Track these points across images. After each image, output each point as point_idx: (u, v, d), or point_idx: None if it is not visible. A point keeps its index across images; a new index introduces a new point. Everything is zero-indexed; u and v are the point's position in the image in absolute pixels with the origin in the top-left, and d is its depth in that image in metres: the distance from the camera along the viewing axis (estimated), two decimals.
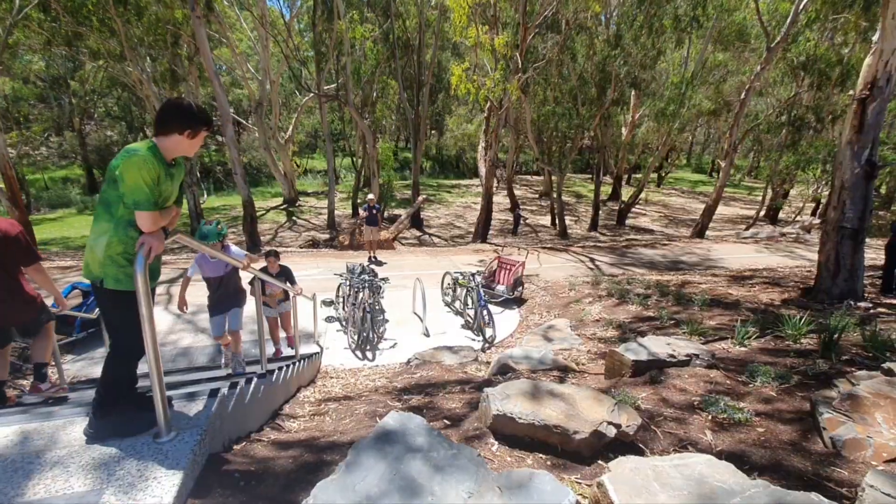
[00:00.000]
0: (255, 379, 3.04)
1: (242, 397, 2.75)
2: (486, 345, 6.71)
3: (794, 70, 14.18)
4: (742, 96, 15.69)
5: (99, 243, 2.06)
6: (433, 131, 45.41)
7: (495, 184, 29.84)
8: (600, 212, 21.39)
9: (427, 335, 7.18)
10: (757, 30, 15.78)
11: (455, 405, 3.79)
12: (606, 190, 27.52)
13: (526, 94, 16.85)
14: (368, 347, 6.64)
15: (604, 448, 2.59)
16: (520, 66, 13.77)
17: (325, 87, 19.17)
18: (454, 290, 8.23)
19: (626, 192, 24.69)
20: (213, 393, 2.51)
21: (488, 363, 5.32)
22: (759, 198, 22.08)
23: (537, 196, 29.42)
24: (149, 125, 26.18)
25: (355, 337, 6.69)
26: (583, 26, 16.14)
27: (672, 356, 4.04)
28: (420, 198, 19.52)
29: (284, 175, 24.33)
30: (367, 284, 7.06)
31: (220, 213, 23.43)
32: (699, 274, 10.01)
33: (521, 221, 20.31)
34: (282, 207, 24.07)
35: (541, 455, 2.55)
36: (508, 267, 8.78)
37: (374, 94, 22.13)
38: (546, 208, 23.73)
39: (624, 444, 2.64)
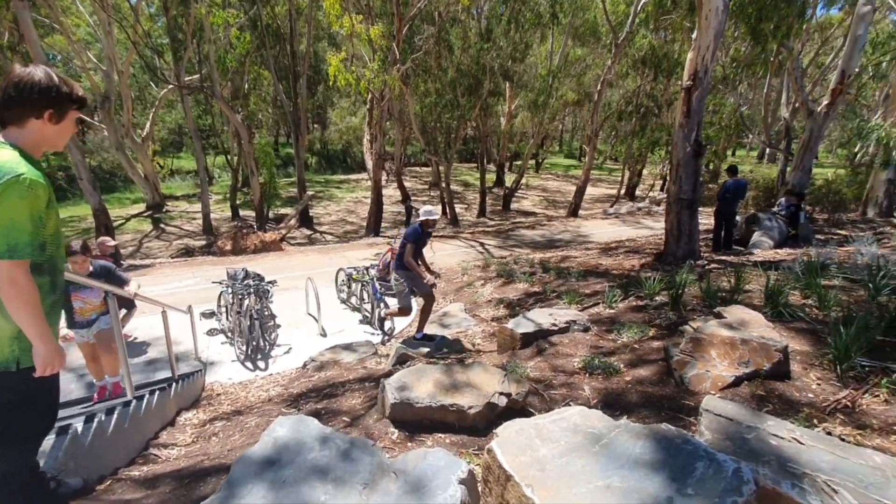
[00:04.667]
0: (118, 408, 2.67)
1: (103, 431, 2.40)
2: (386, 337, 6.69)
3: (637, 64, 16.23)
4: (598, 87, 17.49)
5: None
6: (316, 125, 43.52)
7: (385, 176, 29.65)
8: (487, 198, 22.42)
9: (324, 335, 6.94)
10: (606, 27, 17.66)
11: (356, 402, 3.73)
12: (491, 177, 28.90)
13: (407, 85, 16.92)
14: (260, 356, 6.23)
15: (497, 418, 2.74)
16: (398, 57, 13.76)
17: (187, 78, 17.26)
18: (349, 287, 8.04)
19: (509, 179, 26.21)
20: (63, 430, 2.15)
21: (388, 356, 5.31)
22: (619, 178, 24.94)
23: (427, 187, 29.87)
24: None
25: (244, 347, 6.22)
26: (455, 19, 16.62)
27: (554, 325, 4.41)
28: (307, 195, 18.66)
29: (145, 178, 21.50)
30: (252, 289, 6.59)
31: (66, 226, 20.00)
32: (575, 249, 11.04)
33: (414, 212, 20.52)
34: (146, 214, 21.32)
35: (440, 435, 2.62)
36: None
37: (246, 86, 20.48)
38: (436, 198, 24.23)
39: (515, 411, 2.82)
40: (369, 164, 18.22)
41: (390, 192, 26.82)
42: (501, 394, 2.74)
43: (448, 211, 19.41)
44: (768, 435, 1.75)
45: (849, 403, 2.73)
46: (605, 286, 6.05)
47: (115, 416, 2.59)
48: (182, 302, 5.97)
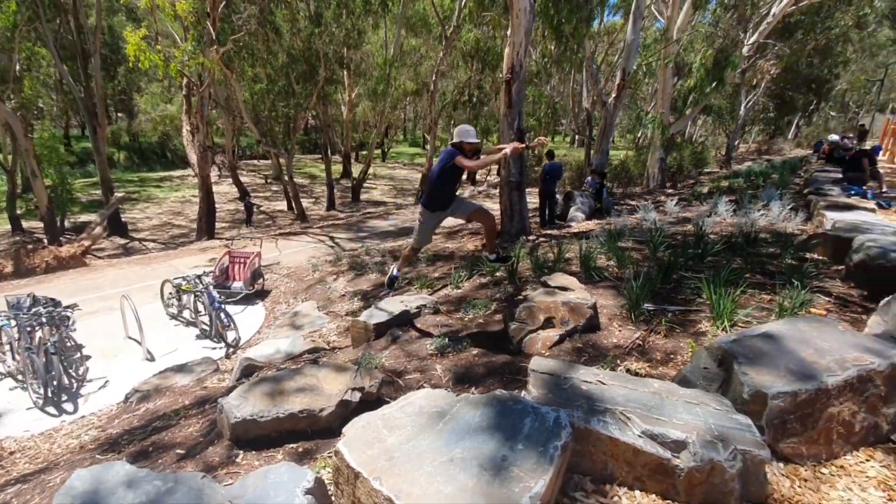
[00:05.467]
0: None
1: None
2: (231, 350, 6.07)
3: (466, 57, 17.31)
4: (434, 78, 18.18)
5: None
6: (120, 114, 36.78)
7: (216, 172, 26.61)
8: (335, 190, 21.76)
9: (151, 359, 5.99)
10: (436, 20, 18.38)
11: (193, 430, 3.31)
12: (338, 168, 28.10)
13: (231, 69, 15.30)
14: (66, 397, 5.10)
15: (352, 414, 2.70)
16: (214, 38, 12.32)
17: None
18: (179, 299, 7.07)
19: (356, 169, 25.80)
20: None
21: (234, 370, 4.83)
22: None
23: (268, 181, 27.73)
24: None
25: (42, 390, 5.03)
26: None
27: (406, 311, 4.51)
28: (115, 197, 15.74)
29: None
30: (44, 318, 5.35)
31: None
32: None
33: (255, 209, 18.87)
34: None
35: (292, 445, 2.48)
36: (242, 260, 8.05)
37: (18, 67, 16.13)
38: (280, 193, 22.66)
39: (370, 404, 2.81)
40: (193, 158, 16.07)
41: (225, 189, 24.20)
42: (354, 389, 2.70)
43: (294, 206, 18.33)
44: (580, 382, 2.04)
45: (640, 342, 3.35)
46: (451, 268, 6.38)
47: None
48: None
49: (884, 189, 7.94)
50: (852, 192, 7.40)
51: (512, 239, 7.43)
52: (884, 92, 27.47)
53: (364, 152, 31.28)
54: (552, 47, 14.62)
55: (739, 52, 12.49)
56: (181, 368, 5.01)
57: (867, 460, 2.02)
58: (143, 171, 30.29)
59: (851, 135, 16.69)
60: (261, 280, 8.24)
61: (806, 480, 1.90)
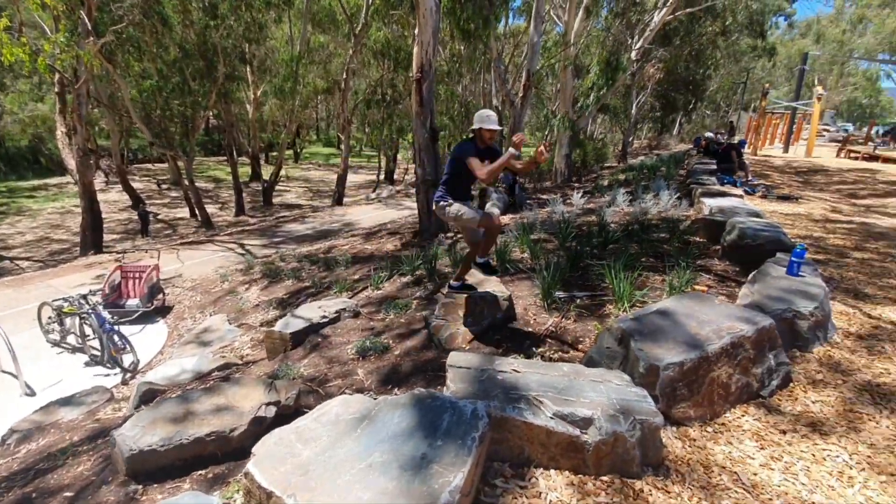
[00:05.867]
0: None
1: None
2: (128, 375, 5.47)
3: (377, 55, 17.12)
4: (344, 76, 17.75)
5: None
6: None
7: (103, 178, 23.80)
8: (245, 194, 20.45)
9: (31, 394, 5.22)
10: (344, 17, 17.93)
11: (84, 468, 2.94)
12: (247, 171, 26.45)
13: (114, 63, 13.75)
14: None
15: (268, 431, 2.56)
16: (91, 28, 10.99)
17: None
18: (61, 323, 6.23)
19: (267, 171, 24.47)
20: None
21: (130, 397, 4.36)
22: (377, 164, 26.19)
23: (166, 186, 25.36)
24: None
25: None
26: None
27: (325, 317, 4.36)
28: None
29: None
30: None
31: None
32: (342, 238, 11.14)
33: (151, 218, 17.14)
34: None
35: (200, 472, 2.29)
36: (136, 275, 7.28)
37: None
38: (181, 199, 20.82)
39: (288, 417, 2.68)
40: (71, 163, 14.21)
41: (114, 197, 21.75)
42: (269, 404, 2.56)
43: (197, 213, 16.95)
44: (496, 373, 2.11)
45: (553, 329, 3.54)
46: (371, 269, 6.29)
47: None
48: None
49: (749, 178, 9.12)
50: (725, 181, 8.41)
51: (431, 237, 7.49)
52: (746, 93, 31.59)
53: (275, 153, 29.73)
54: (461, 47, 14.94)
55: (628, 56, 13.66)
56: (68, 401, 4.42)
57: (742, 416, 2.31)
58: (12, 180, 26.27)
59: (723, 131, 18.99)
60: (160, 296, 7.52)
61: (695, 440, 2.12)
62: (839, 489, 1.86)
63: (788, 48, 34.83)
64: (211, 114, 19.77)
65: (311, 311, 4.49)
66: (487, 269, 3.65)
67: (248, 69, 19.69)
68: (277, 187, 22.77)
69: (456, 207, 3.42)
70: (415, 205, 9.17)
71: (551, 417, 1.84)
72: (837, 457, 2.03)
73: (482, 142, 3.37)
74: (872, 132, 23.57)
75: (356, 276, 6.38)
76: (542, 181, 15.96)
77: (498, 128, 3.36)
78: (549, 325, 3.56)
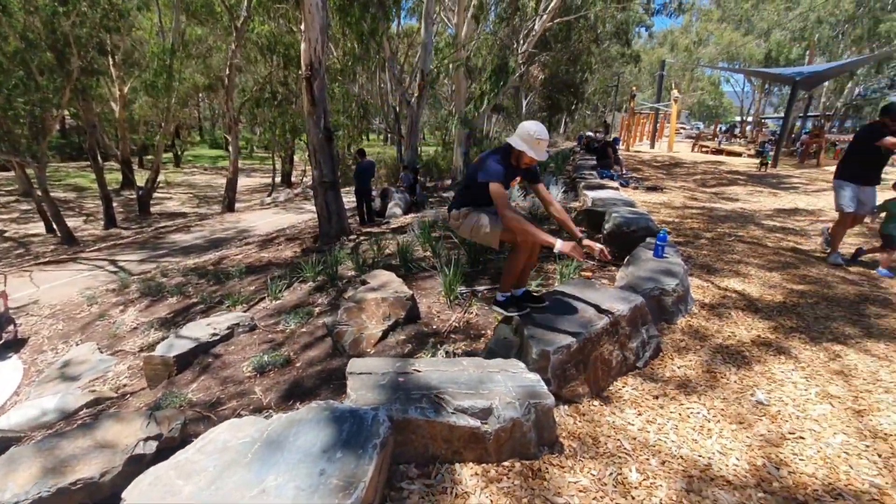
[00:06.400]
0: None
1: None
2: None
3: (263, 51, 16.10)
4: (227, 72, 16.46)
5: None
6: None
7: None
8: (116, 203, 18.07)
9: None
10: (222, 7, 16.58)
11: None
12: (117, 177, 23.38)
13: None
14: None
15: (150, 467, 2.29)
16: None
17: None
18: None
19: (143, 178, 21.88)
20: None
21: None
22: (272, 166, 24.72)
23: (13, 198, 21.52)
24: None
25: None
26: None
27: (216, 334, 4.01)
28: None
29: None
30: None
31: None
32: (236, 246, 10.35)
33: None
34: None
35: None
36: None
37: None
38: (34, 212, 17.79)
39: (172, 451, 2.42)
40: None
41: None
42: (149, 439, 2.28)
43: (56, 227, 14.63)
44: (397, 375, 2.10)
45: (457, 325, 3.63)
46: (268, 279, 5.92)
47: None
48: None
49: (624, 171, 10.16)
50: (604, 175, 9.28)
51: (332, 241, 7.26)
52: (618, 95, 35.15)
53: (151, 157, 26.66)
54: (355, 45, 14.65)
55: (516, 59, 14.44)
56: None
57: (623, 387, 2.56)
58: None
59: (601, 129, 20.95)
60: (11, 328, 6.36)
61: (584, 415, 2.31)
62: (700, 441, 2.14)
63: (650, 56, 39.40)
64: (66, 113, 17.17)
65: (200, 329, 4.10)
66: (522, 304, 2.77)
67: (110, 62, 17.39)
68: (156, 194, 20.48)
69: (478, 222, 2.73)
70: (313, 207, 8.80)
71: (453, 413, 1.88)
72: (699, 413, 2.34)
73: (518, 162, 2.62)
74: (718, 129, 27.65)
75: (252, 288, 5.96)
76: (442, 179, 16.28)
77: (540, 157, 2.57)
78: (452, 321, 3.64)
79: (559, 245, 2.36)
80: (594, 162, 10.70)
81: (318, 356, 3.57)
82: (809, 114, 23.53)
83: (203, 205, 21.78)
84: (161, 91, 16.41)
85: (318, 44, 6.96)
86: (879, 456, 2.03)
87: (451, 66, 13.22)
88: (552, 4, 13.71)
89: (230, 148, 17.91)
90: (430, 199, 11.00)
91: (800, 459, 2.01)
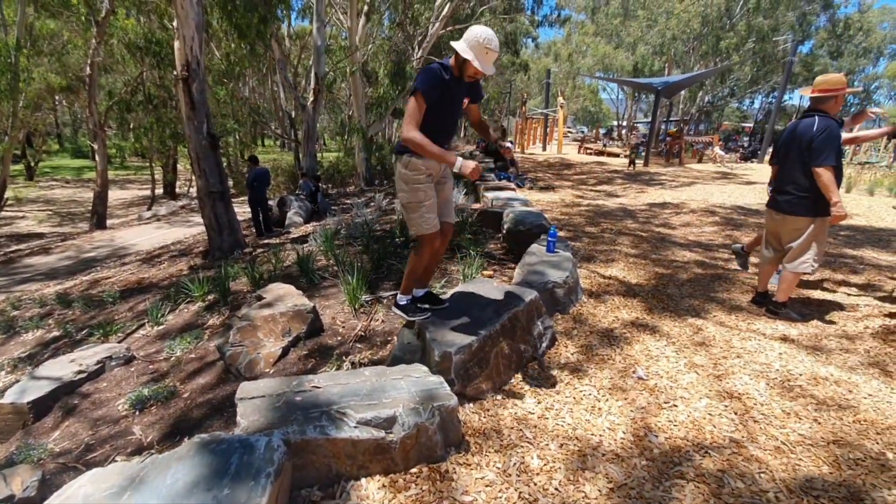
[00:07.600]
0: None
1: None
2: None
3: (132, 49, 14.43)
4: (89, 72, 14.53)
5: None
6: None
7: None
8: None
9: None
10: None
11: None
12: None
13: None
14: None
15: None
16: None
17: None
18: None
19: None
20: None
21: None
22: (150, 175, 22.25)
23: None
24: None
25: None
26: None
27: (82, 371, 3.50)
28: None
29: None
30: None
31: None
32: (110, 268, 9.14)
33: None
34: None
35: None
36: None
37: None
38: None
39: None
40: None
41: None
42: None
43: None
44: (294, 394, 1.99)
45: (362, 333, 3.54)
46: (148, 301, 5.31)
47: None
48: None
49: (519, 173, 10.73)
50: (502, 177, 9.72)
51: (225, 255, 6.72)
52: (511, 101, 37.12)
53: None
54: (242, 45, 13.72)
55: (412, 64, 14.58)
56: None
57: (523, 378, 2.69)
58: None
59: (498, 133, 21.90)
60: None
61: (488, 410, 2.38)
62: (592, 420, 2.31)
63: (538, 64, 42.17)
64: None
65: (61, 367, 3.55)
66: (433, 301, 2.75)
67: None
68: (2, 213, 17.40)
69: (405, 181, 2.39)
70: (201, 219, 8.05)
71: (355, 426, 1.82)
72: (590, 394, 2.53)
73: (461, 73, 2.30)
74: (599, 133, 30.45)
75: (130, 313, 5.30)
76: (344, 185, 15.90)
77: (491, 72, 2.29)
78: (357, 330, 3.54)
79: (459, 163, 2.23)
80: (493, 164, 11.16)
81: (208, 383, 3.27)
82: (672, 118, 26.91)
83: (67, 222, 18.98)
84: (5, 93, 13.99)
85: (194, 42, 6.41)
86: (735, 413, 2.35)
87: (347, 69, 12.96)
88: (444, 13, 14.07)
89: (97, 157, 15.81)
90: (334, 207, 10.67)
91: (674, 425, 2.26)
